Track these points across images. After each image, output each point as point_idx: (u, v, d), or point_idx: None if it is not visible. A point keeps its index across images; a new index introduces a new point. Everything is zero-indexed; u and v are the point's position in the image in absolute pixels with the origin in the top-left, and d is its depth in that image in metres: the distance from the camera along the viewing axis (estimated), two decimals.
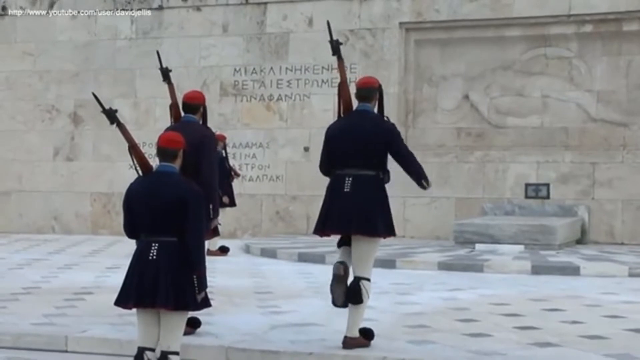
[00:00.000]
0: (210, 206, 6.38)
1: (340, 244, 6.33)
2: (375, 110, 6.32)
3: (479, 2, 15.39)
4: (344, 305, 6.17)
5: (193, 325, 6.59)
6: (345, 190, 6.10)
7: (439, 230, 14.97)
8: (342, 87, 6.30)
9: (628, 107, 14.89)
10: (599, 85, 15.03)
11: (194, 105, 6.86)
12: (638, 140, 14.78)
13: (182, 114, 6.94)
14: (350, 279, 6.23)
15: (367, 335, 6.29)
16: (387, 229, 6.19)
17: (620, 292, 9.25)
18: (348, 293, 6.16)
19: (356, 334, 6.21)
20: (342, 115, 6.31)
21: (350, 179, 6.12)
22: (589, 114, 15.06)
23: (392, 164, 6.30)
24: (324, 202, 6.27)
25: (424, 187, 6.35)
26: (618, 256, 12.26)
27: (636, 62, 14.88)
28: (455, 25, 15.59)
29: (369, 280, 6.20)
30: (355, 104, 6.36)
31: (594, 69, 15.07)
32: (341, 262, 6.14)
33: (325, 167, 6.33)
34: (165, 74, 7.23)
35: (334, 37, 6.46)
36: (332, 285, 6.11)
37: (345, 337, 6.20)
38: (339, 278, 6.07)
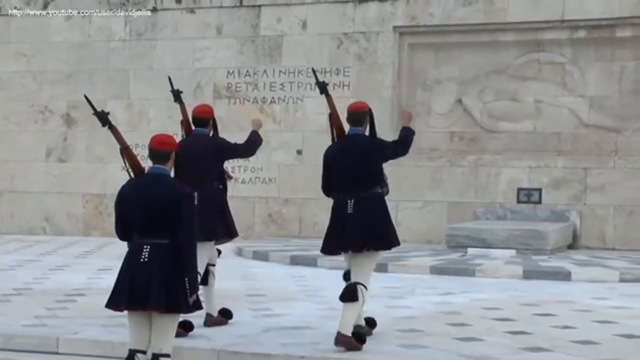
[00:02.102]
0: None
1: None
2: (367, 132, 6.70)
3: (473, 7, 15.42)
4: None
5: (186, 327, 6.60)
6: (349, 212, 6.48)
7: (431, 234, 14.98)
8: (333, 118, 6.71)
9: (620, 112, 14.93)
10: (591, 91, 15.08)
11: (204, 119, 7.28)
12: (630, 145, 14.82)
13: (193, 128, 7.29)
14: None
15: (359, 337, 6.39)
16: (394, 240, 6.67)
17: (611, 298, 9.28)
18: (344, 292, 6.44)
19: (348, 332, 6.32)
20: (335, 139, 6.73)
21: (352, 201, 6.48)
22: (582, 120, 15.10)
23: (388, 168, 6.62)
24: (329, 224, 6.66)
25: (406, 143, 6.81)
26: (609, 261, 12.29)
27: (629, 68, 14.93)
28: (449, 29, 15.62)
29: (365, 287, 6.49)
30: (347, 127, 6.74)
31: (587, 75, 15.12)
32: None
33: (326, 189, 6.77)
34: (177, 95, 7.65)
35: (320, 79, 6.99)
36: None
37: (338, 333, 6.31)
38: None
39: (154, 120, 16.56)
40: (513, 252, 12.60)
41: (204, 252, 6.97)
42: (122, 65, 17.04)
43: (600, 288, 10.06)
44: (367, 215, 6.46)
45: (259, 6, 16.42)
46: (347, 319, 6.36)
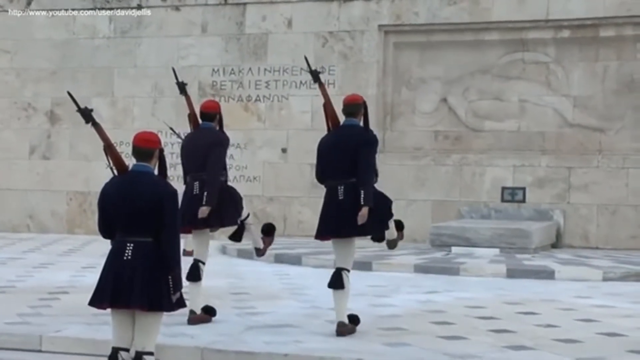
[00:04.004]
0: (205, 194, 7.19)
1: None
2: (361, 123, 6.98)
3: (457, 6, 15.46)
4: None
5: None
6: (340, 198, 6.78)
7: (416, 233, 14.98)
8: (327, 107, 7.04)
9: (604, 112, 15.01)
10: (575, 91, 15.15)
11: (211, 113, 7.65)
12: (613, 145, 14.90)
13: (200, 122, 7.63)
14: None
15: (354, 320, 6.98)
16: (379, 227, 6.96)
17: (594, 296, 9.32)
18: (331, 280, 6.89)
19: (345, 318, 6.87)
20: (330, 129, 7.04)
21: (342, 187, 6.78)
22: (566, 119, 15.17)
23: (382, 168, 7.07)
24: (322, 210, 6.95)
25: (361, 204, 6.69)
26: (592, 260, 12.34)
27: (612, 68, 15.00)
28: (434, 28, 15.65)
29: (349, 270, 6.95)
30: (342, 118, 7.02)
31: (571, 74, 15.19)
32: None
33: (319, 177, 7.06)
34: (182, 87, 8.00)
35: (313, 67, 7.41)
36: None
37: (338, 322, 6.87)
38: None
39: (139, 118, 16.51)
40: (497, 250, 12.65)
41: (203, 240, 7.49)
42: (106, 63, 16.97)
43: (583, 287, 10.11)
44: (357, 201, 6.68)
45: (244, 4, 16.40)
46: (339, 306, 6.86)
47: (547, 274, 10.93)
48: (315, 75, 7.27)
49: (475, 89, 15.59)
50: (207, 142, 7.39)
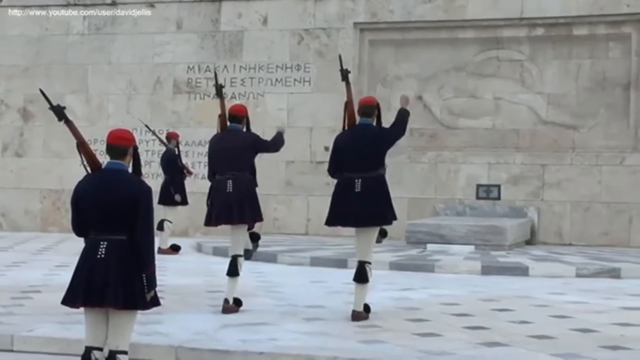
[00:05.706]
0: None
1: None
2: (375, 123, 7.67)
3: (432, 4, 15.50)
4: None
5: (237, 303, 7.74)
6: (357, 190, 7.41)
7: (391, 230, 14.81)
8: (348, 106, 7.65)
9: (577, 110, 15.12)
10: (549, 88, 15.25)
11: (239, 116, 8.03)
12: (587, 142, 15.01)
13: (228, 124, 8.02)
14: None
15: (367, 310, 7.56)
16: (393, 216, 7.60)
17: (567, 293, 9.38)
18: (356, 274, 7.56)
19: (362, 308, 7.47)
20: (346, 128, 7.66)
21: (360, 180, 7.41)
22: (540, 117, 15.26)
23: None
24: (335, 200, 7.57)
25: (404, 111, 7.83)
26: (566, 257, 12.43)
27: (586, 66, 15.11)
28: (409, 26, 15.69)
29: (370, 263, 7.62)
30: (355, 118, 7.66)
31: (545, 72, 15.28)
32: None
33: (333, 171, 7.66)
34: (219, 90, 8.39)
35: (344, 67, 7.85)
36: None
37: (353, 311, 7.43)
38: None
39: (113, 116, 16.42)
40: (472, 248, 12.70)
41: (240, 235, 7.93)
42: (80, 60, 16.86)
43: (557, 283, 10.17)
44: (372, 194, 7.38)
45: (220, 1, 16.35)
46: (359, 297, 7.47)
47: (522, 271, 10.99)
48: (344, 74, 7.72)
49: (450, 87, 15.65)
50: (242, 144, 7.78)
